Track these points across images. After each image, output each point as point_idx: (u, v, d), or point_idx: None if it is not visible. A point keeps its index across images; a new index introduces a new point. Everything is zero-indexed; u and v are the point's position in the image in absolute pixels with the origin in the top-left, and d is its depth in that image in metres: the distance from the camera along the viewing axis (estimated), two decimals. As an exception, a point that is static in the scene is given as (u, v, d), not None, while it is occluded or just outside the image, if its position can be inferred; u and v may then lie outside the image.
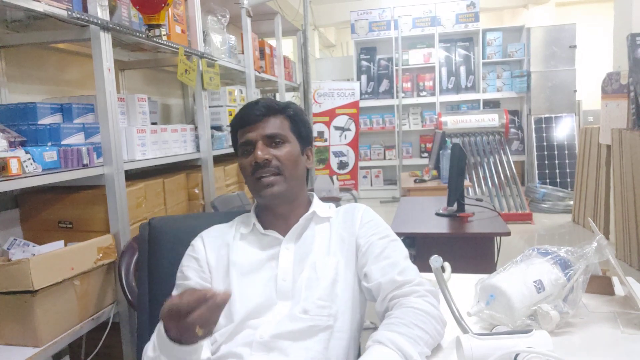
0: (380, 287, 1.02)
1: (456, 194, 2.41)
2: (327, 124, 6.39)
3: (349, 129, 6.50)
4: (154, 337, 0.96)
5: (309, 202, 1.17)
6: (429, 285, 1.02)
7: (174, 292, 1.09)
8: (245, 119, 1.11)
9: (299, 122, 1.14)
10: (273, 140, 1.09)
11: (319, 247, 1.09)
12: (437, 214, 2.47)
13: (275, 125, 1.10)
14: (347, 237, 1.10)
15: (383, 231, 1.11)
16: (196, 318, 0.80)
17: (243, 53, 3.42)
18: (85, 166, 1.72)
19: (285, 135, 1.11)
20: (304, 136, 1.15)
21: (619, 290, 1.22)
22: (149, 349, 0.96)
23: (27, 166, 1.51)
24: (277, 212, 1.12)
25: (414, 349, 0.88)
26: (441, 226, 2.29)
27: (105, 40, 1.78)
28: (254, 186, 1.09)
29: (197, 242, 1.13)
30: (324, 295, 1.02)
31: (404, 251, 1.09)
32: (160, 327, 0.91)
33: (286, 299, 1.04)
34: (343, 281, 1.06)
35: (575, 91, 6.34)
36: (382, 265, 1.04)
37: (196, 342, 0.87)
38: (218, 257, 1.10)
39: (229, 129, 3.03)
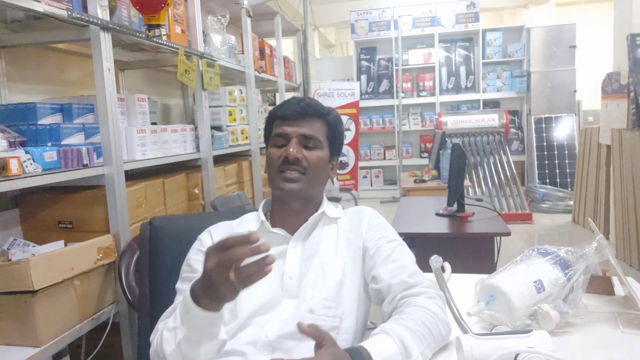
0: (390, 288, 1.02)
1: (456, 194, 2.41)
2: (327, 124, 6.38)
3: (348, 129, 6.50)
4: (169, 315, 0.97)
5: (320, 203, 1.17)
6: (437, 289, 1.03)
7: (178, 285, 1.08)
8: (287, 113, 1.11)
9: (335, 131, 1.15)
10: (307, 142, 1.10)
11: (326, 248, 1.09)
12: (437, 214, 2.47)
13: (314, 127, 1.11)
14: (354, 239, 1.11)
15: (390, 235, 1.12)
16: (238, 254, 0.78)
17: (243, 53, 3.42)
18: (85, 166, 1.72)
19: (321, 140, 1.11)
20: (336, 146, 1.16)
21: (619, 290, 1.22)
22: (170, 322, 0.94)
23: (27, 166, 1.51)
24: (289, 208, 1.12)
25: (416, 346, 0.89)
26: (441, 226, 2.29)
27: (105, 40, 1.78)
28: (276, 177, 1.09)
29: (205, 236, 1.13)
30: (331, 296, 1.03)
31: (411, 255, 1.10)
32: (184, 295, 0.89)
33: (292, 297, 1.04)
34: (349, 282, 1.06)
35: (575, 91, 6.34)
36: (391, 268, 1.04)
37: (220, 309, 0.85)
38: None
39: (229, 129, 3.07)
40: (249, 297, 1.03)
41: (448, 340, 0.98)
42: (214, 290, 0.82)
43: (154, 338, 0.99)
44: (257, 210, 1.18)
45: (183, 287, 1.06)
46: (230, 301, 0.84)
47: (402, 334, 0.90)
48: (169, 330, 0.92)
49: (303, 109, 1.10)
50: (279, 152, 1.09)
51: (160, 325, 1.00)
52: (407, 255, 1.08)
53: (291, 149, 1.07)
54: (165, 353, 0.91)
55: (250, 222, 1.15)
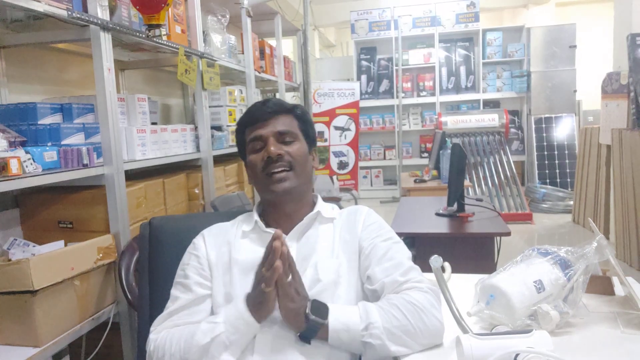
0: (384, 286, 1.02)
1: (456, 194, 2.41)
2: (327, 124, 6.39)
3: (349, 129, 6.50)
4: (163, 320, 1.06)
5: (314, 203, 1.17)
6: (431, 285, 1.03)
7: (173, 291, 1.09)
8: (256, 116, 1.12)
9: (306, 123, 1.17)
10: (284, 137, 1.11)
11: (322, 248, 1.09)
12: (437, 214, 2.47)
13: (285, 123, 1.12)
14: (350, 239, 1.10)
15: (386, 233, 1.11)
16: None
17: (243, 53, 3.42)
18: (85, 166, 1.72)
19: (296, 133, 1.12)
20: (311, 136, 1.17)
21: (619, 290, 1.22)
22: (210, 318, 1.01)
23: (27, 166, 1.51)
24: (282, 210, 1.12)
25: (381, 320, 0.93)
26: (441, 226, 2.29)
27: (105, 40, 1.78)
28: (265, 181, 1.09)
29: (198, 240, 1.14)
30: (326, 297, 1.02)
31: (407, 253, 1.09)
32: (237, 303, 0.98)
33: None
34: (346, 283, 1.06)
35: (575, 91, 6.34)
36: (386, 267, 1.04)
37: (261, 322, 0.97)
38: (218, 254, 1.10)
39: (229, 128, 3.07)
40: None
41: (437, 334, 0.97)
42: (263, 307, 0.95)
43: (161, 338, 1.02)
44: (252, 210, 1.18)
45: (176, 294, 1.08)
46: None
47: (369, 307, 0.95)
48: (209, 322, 0.98)
49: (271, 108, 1.12)
50: (259, 155, 1.10)
51: (167, 323, 1.04)
52: (403, 253, 1.08)
53: (272, 147, 1.08)
54: (197, 343, 0.96)
55: (243, 223, 1.15)
